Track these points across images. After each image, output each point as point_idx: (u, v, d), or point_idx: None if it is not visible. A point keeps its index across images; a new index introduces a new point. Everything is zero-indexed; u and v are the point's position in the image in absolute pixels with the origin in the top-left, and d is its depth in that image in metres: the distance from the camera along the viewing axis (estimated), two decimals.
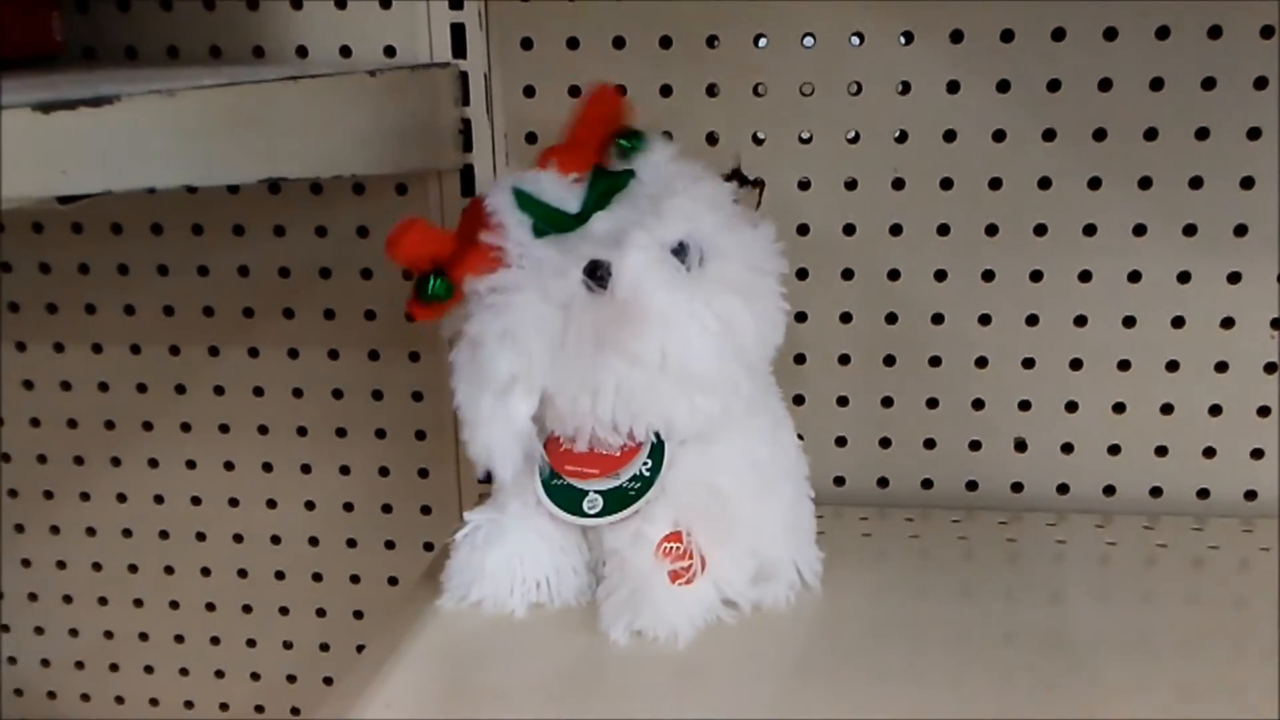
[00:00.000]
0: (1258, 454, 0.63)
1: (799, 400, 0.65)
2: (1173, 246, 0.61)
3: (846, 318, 0.64)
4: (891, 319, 0.64)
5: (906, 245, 0.63)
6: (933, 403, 0.65)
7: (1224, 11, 0.57)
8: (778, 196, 0.62)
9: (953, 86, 0.60)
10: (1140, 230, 0.61)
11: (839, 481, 0.67)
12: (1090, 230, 0.61)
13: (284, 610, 0.74)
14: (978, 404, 0.64)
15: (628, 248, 0.48)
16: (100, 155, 0.38)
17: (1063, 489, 0.65)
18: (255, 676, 0.76)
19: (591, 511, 0.51)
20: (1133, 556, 0.58)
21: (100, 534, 0.75)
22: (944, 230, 0.62)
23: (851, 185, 0.62)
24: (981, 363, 0.64)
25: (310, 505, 0.72)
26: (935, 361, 0.64)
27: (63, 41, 0.61)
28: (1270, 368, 0.62)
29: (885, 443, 0.66)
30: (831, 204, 0.63)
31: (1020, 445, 0.65)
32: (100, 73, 0.55)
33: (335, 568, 0.73)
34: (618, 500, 0.51)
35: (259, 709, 0.77)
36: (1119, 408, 0.63)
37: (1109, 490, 0.64)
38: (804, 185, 0.63)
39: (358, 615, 0.74)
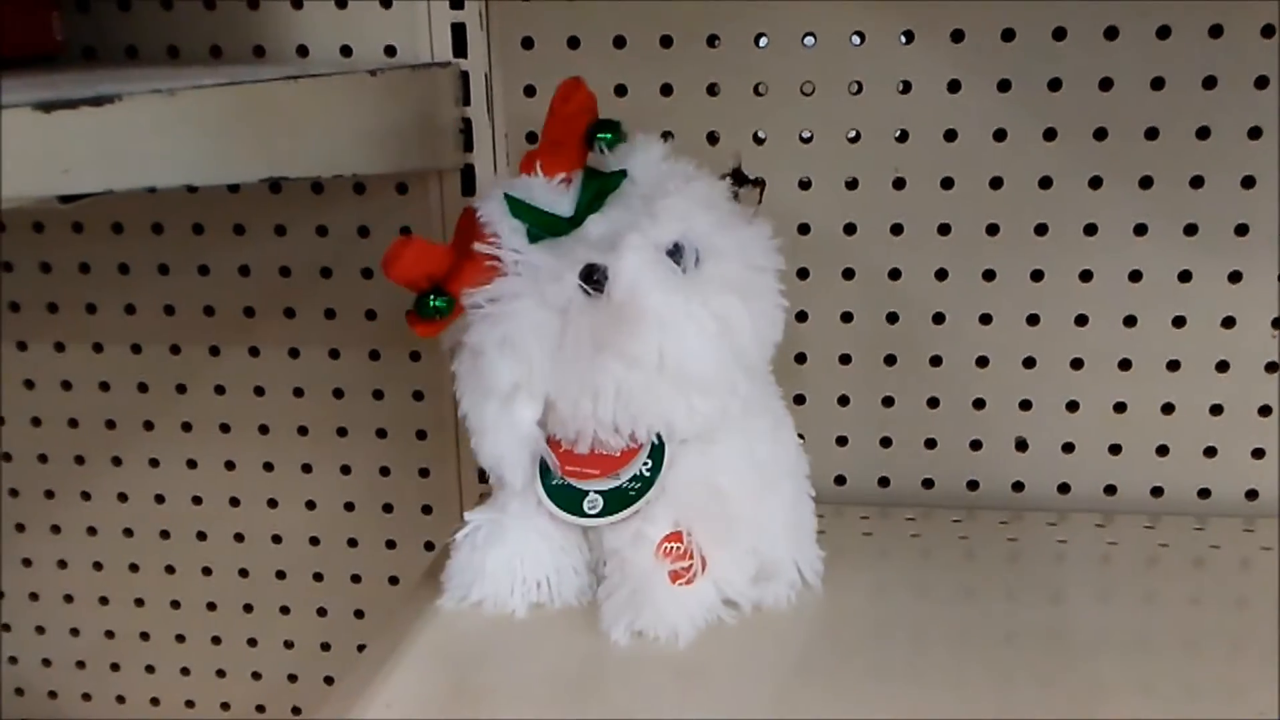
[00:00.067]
0: (1259, 453, 0.63)
1: (800, 400, 0.65)
2: (1174, 246, 0.61)
3: (847, 317, 0.64)
4: (892, 318, 0.64)
5: (907, 245, 0.62)
6: (933, 402, 0.65)
7: (1225, 11, 0.57)
8: (778, 196, 0.62)
9: (954, 86, 0.60)
10: (1141, 230, 0.61)
11: (840, 481, 0.67)
12: (1091, 230, 0.61)
13: (285, 610, 0.75)
14: (978, 403, 0.64)
15: (623, 250, 0.48)
16: (101, 154, 0.38)
17: (1064, 488, 0.65)
18: (256, 676, 0.76)
19: (592, 512, 0.51)
20: (1134, 556, 0.58)
21: (101, 533, 0.75)
22: (945, 230, 0.62)
23: (852, 185, 0.62)
24: (982, 362, 0.64)
25: (311, 505, 0.72)
26: (936, 361, 0.64)
27: (63, 41, 0.61)
28: (1271, 367, 0.61)
29: (886, 442, 0.66)
30: (832, 203, 0.63)
31: (1021, 445, 0.65)
32: (101, 72, 0.55)
33: (336, 567, 0.73)
34: (618, 500, 0.51)
35: (260, 708, 0.77)
36: (1120, 407, 0.63)
37: (1110, 490, 0.64)
38: (805, 185, 0.63)
39: (359, 615, 0.74)
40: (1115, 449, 0.64)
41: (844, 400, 0.65)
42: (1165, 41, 0.58)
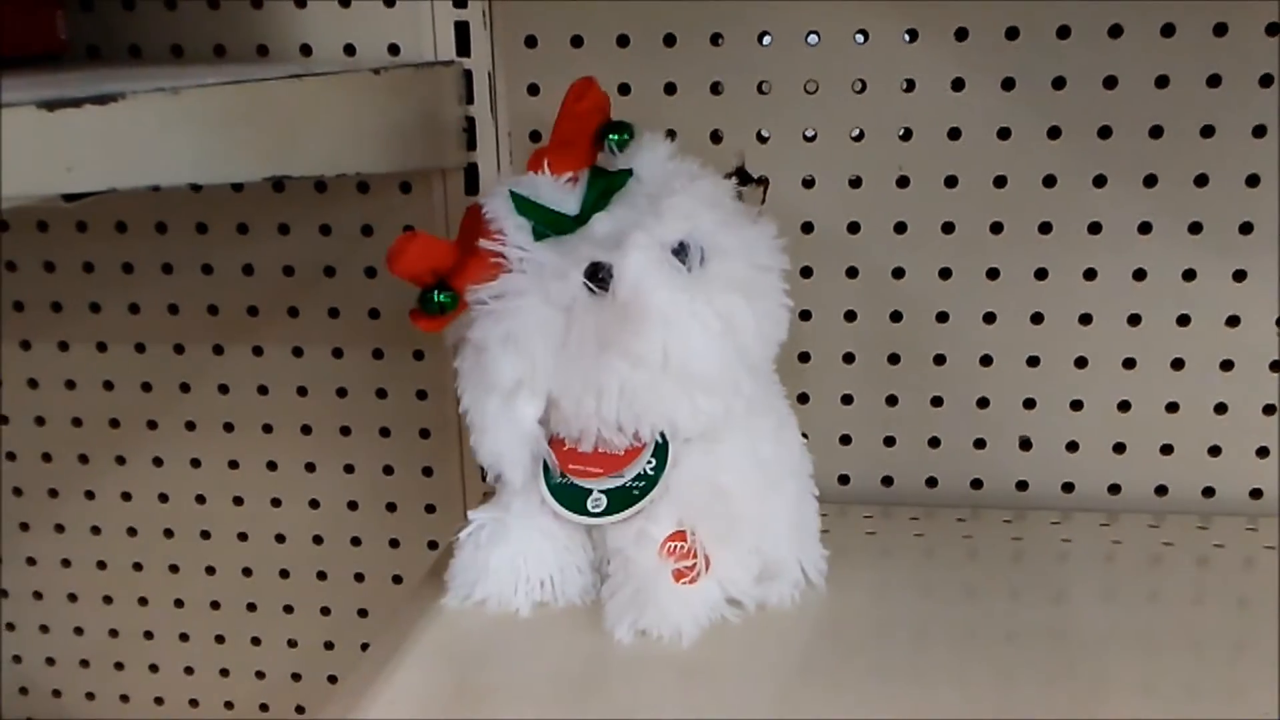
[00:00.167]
0: (1263, 452, 0.63)
1: (803, 399, 0.65)
2: (1178, 244, 0.61)
3: (851, 316, 0.64)
4: (896, 317, 0.64)
5: (911, 243, 0.62)
6: (937, 401, 0.65)
7: (1229, 9, 0.57)
8: (782, 194, 0.62)
9: (957, 84, 0.60)
10: (1145, 228, 0.61)
11: (843, 480, 0.67)
12: (1095, 228, 0.61)
13: (289, 609, 0.75)
14: (982, 402, 0.64)
15: (628, 249, 0.48)
16: (105, 153, 0.38)
17: (1068, 487, 0.65)
18: (260, 675, 0.76)
19: (595, 510, 0.51)
20: (1137, 555, 0.58)
21: (105, 532, 0.75)
22: (949, 228, 0.62)
23: (856, 183, 0.62)
24: (986, 361, 0.64)
25: (315, 504, 0.72)
26: (940, 360, 0.64)
27: (67, 40, 0.61)
28: (1276, 366, 0.61)
29: (890, 441, 0.66)
30: (836, 202, 0.63)
31: (1025, 443, 0.65)
32: (105, 71, 0.55)
33: (340, 566, 0.73)
34: (622, 499, 0.51)
35: (264, 707, 0.77)
36: (1124, 406, 0.63)
37: (1114, 489, 0.64)
38: (808, 183, 0.63)
39: (362, 614, 0.74)
40: (1119, 448, 0.64)
41: (848, 399, 0.65)
42: (1169, 40, 0.58)
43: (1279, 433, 0.62)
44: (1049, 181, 0.61)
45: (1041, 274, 0.62)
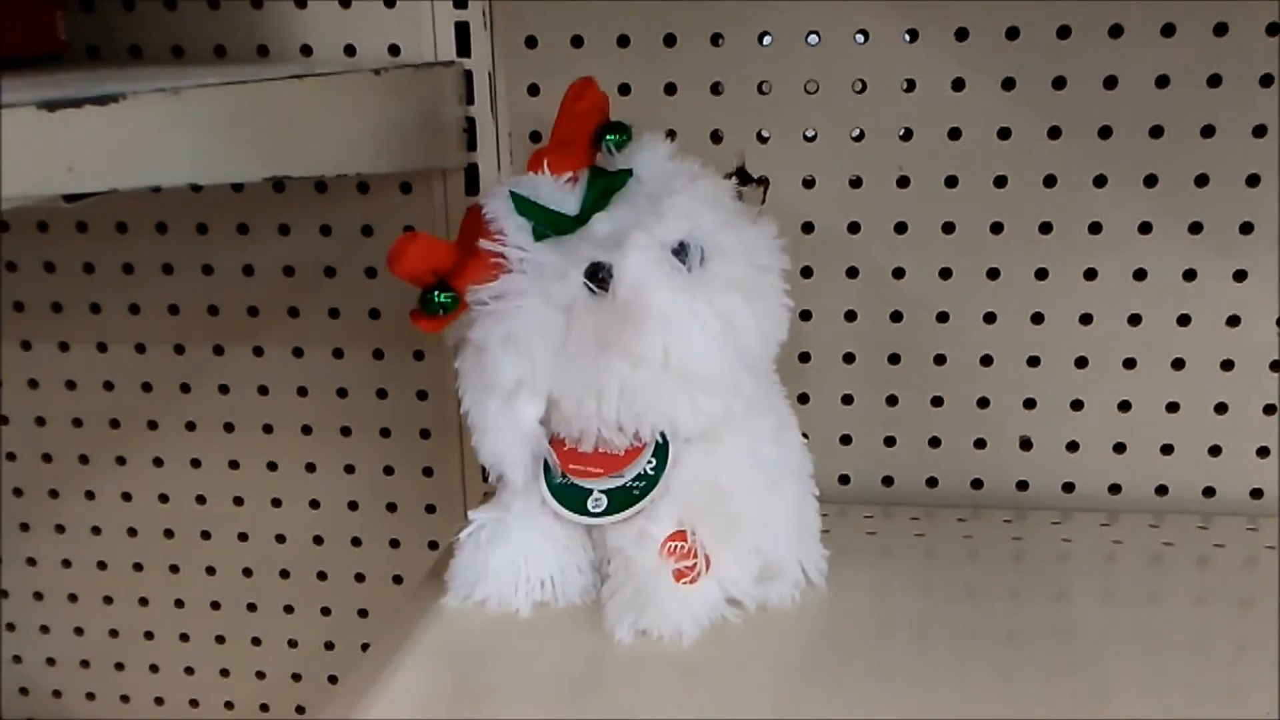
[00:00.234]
0: (1263, 452, 0.63)
1: (804, 399, 0.65)
2: (1178, 244, 0.61)
3: (851, 316, 0.64)
4: (896, 317, 0.64)
5: (911, 243, 0.62)
6: (938, 401, 0.65)
7: (1229, 9, 0.57)
8: (782, 194, 0.62)
9: (958, 84, 0.60)
10: (1146, 228, 0.61)
11: (844, 480, 0.67)
12: (1095, 228, 0.61)
13: (289, 609, 0.75)
14: (983, 402, 0.64)
15: (628, 249, 0.48)
16: (106, 153, 0.38)
17: (1068, 487, 0.65)
18: (260, 675, 0.76)
19: (596, 511, 0.51)
20: (1138, 555, 0.58)
21: (105, 533, 0.75)
22: (949, 228, 0.62)
23: (856, 183, 0.62)
24: (986, 361, 0.64)
25: (315, 504, 0.72)
26: (940, 360, 0.64)
27: (67, 40, 0.61)
28: (1276, 366, 0.61)
29: (890, 441, 0.66)
30: (836, 202, 0.63)
31: (1025, 443, 0.65)
32: (105, 71, 0.55)
33: (340, 566, 0.73)
34: (622, 499, 0.51)
35: (264, 708, 0.77)
36: (1124, 406, 0.63)
37: (1114, 488, 0.64)
38: (809, 183, 0.63)
39: (362, 614, 0.74)
40: (1120, 447, 0.64)
41: (848, 399, 0.65)
42: (1170, 39, 0.58)
43: (1279, 433, 0.62)
44: (1049, 181, 0.61)
45: (1042, 274, 0.62)
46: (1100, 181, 0.60)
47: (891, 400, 0.65)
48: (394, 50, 0.63)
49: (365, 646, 0.73)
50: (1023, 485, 0.65)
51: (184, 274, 0.69)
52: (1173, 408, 0.63)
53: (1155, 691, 0.46)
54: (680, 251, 0.49)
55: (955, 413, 0.65)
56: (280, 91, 0.48)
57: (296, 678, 0.76)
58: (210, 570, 0.75)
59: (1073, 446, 0.64)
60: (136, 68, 0.60)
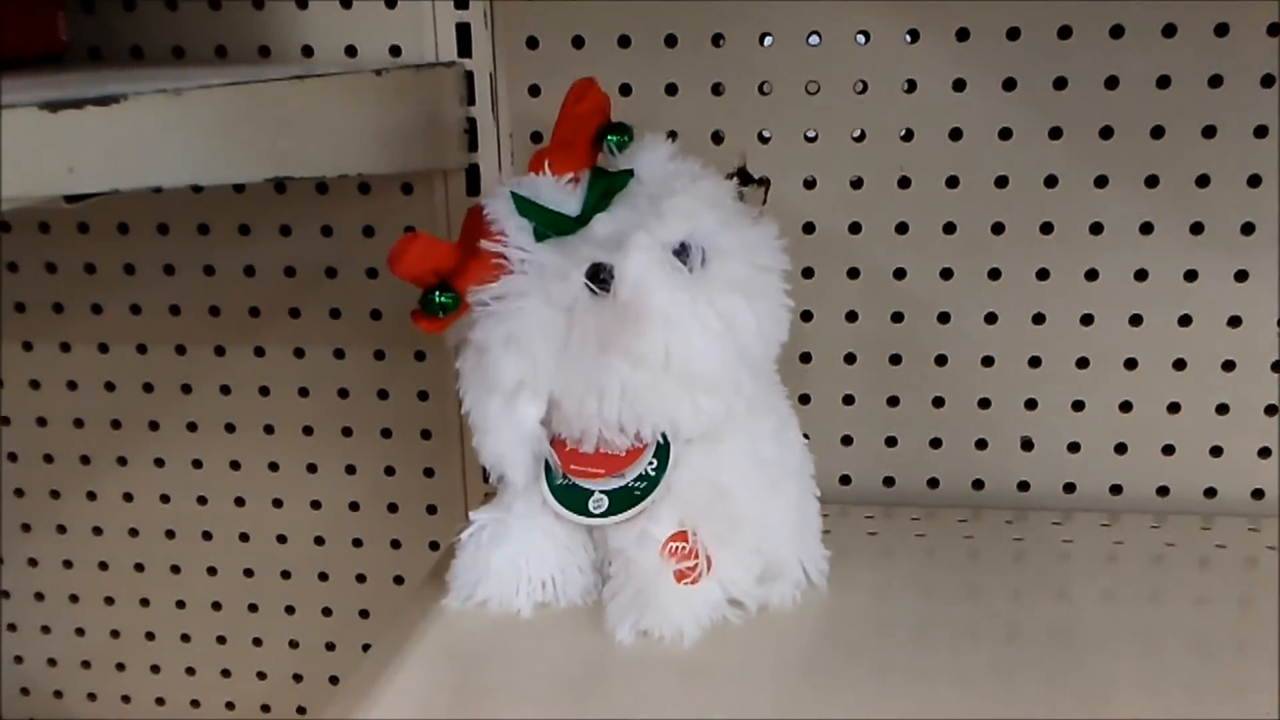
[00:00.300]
0: (1264, 453, 0.63)
1: (804, 399, 0.65)
2: (1179, 245, 0.61)
3: (852, 316, 0.64)
4: (897, 318, 0.64)
5: (912, 244, 0.62)
6: (939, 402, 0.65)
7: (1230, 9, 0.57)
8: (783, 195, 0.62)
9: (959, 85, 0.60)
10: (1147, 228, 0.61)
11: (845, 480, 0.67)
12: (1097, 229, 0.61)
13: (290, 609, 0.75)
14: (984, 403, 0.64)
15: (629, 249, 0.48)
16: (106, 154, 0.38)
17: (1069, 488, 0.65)
18: (261, 675, 0.76)
19: (597, 511, 0.51)
20: (1139, 555, 0.58)
21: (107, 533, 0.75)
22: (950, 229, 0.62)
23: (857, 184, 0.62)
24: (988, 361, 0.64)
25: (316, 504, 0.72)
26: (941, 360, 0.64)
27: (68, 41, 0.61)
28: (1277, 366, 0.61)
29: (891, 442, 0.66)
30: (837, 202, 0.63)
31: (1026, 444, 0.65)
32: (106, 72, 0.55)
33: (341, 567, 0.73)
34: (623, 500, 0.51)
35: (265, 708, 0.77)
36: (1125, 406, 0.63)
37: (1115, 489, 0.64)
38: (809, 184, 0.63)
39: (363, 614, 0.74)
40: (1121, 448, 0.64)
41: (849, 400, 0.65)
42: (1171, 40, 0.58)
43: None
44: (1050, 182, 0.61)
45: (1043, 274, 0.62)
46: (1101, 182, 0.60)
47: (892, 401, 0.65)
48: (395, 51, 0.63)
49: (366, 647, 0.74)
50: (1024, 486, 0.65)
51: (185, 274, 0.69)
52: (1174, 408, 0.63)
53: (1156, 692, 0.46)
54: (681, 252, 0.49)
55: (956, 413, 0.65)
56: (281, 92, 0.48)
57: (298, 678, 0.76)
58: (211, 571, 0.75)
59: (1074, 447, 0.64)
60: (137, 68, 0.60)
